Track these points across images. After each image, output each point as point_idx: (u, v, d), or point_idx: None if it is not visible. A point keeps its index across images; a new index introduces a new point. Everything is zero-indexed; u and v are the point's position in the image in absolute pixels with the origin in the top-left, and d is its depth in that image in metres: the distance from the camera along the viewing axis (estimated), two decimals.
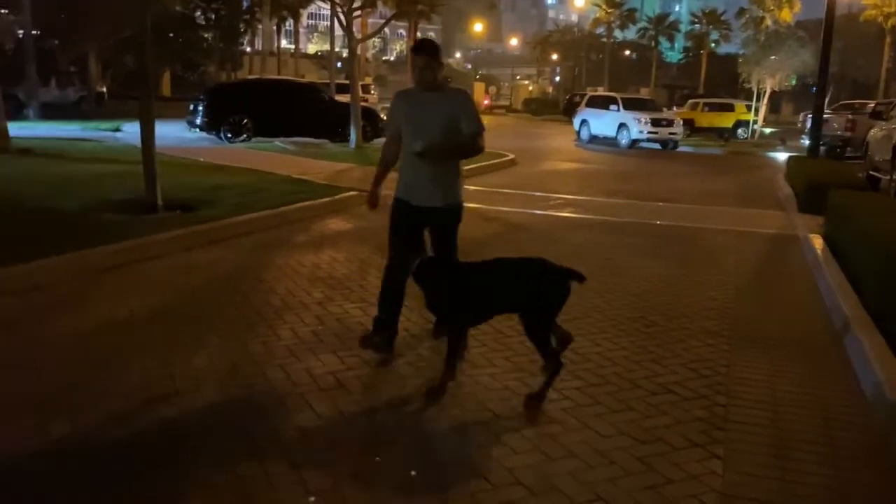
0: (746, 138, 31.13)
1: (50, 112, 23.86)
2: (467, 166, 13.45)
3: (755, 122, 32.54)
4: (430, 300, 3.89)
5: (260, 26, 51.60)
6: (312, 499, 2.81)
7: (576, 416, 3.62)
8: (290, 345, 4.44)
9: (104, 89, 33.61)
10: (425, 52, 4.12)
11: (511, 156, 16.45)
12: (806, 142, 19.88)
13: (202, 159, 13.13)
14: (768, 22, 38.98)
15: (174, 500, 2.78)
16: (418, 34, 51.27)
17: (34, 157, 12.58)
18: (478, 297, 3.81)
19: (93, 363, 4.05)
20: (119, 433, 3.27)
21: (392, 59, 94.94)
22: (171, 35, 37.11)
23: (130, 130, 17.73)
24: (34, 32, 25.84)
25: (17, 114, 21.49)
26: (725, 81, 48.77)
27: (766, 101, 34.33)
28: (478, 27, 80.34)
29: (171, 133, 16.83)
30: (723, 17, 64.92)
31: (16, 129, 14.87)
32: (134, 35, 9.05)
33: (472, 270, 3.89)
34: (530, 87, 77.18)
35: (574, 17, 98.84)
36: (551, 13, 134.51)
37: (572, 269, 3.76)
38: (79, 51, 31.69)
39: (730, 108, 32.07)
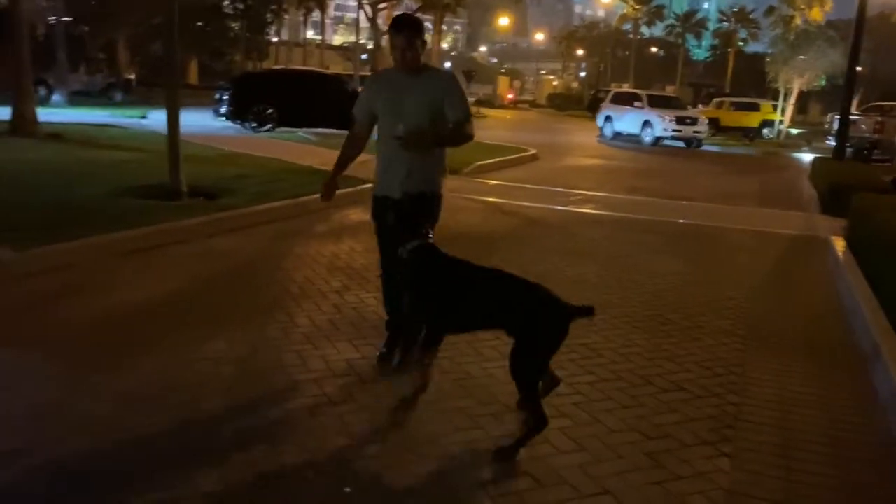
0: (772, 138, 30.81)
1: (78, 98, 24.18)
2: (488, 160, 13.51)
3: (781, 122, 32.18)
4: (411, 292, 3.53)
5: (287, 17, 51.86)
6: (322, 480, 2.87)
7: (586, 410, 3.65)
8: (306, 332, 4.50)
9: (132, 76, 33.98)
10: (407, 30, 3.61)
11: (533, 151, 16.44)
12: (832, 143, 19.63)
13: (226, 148, 13.26)
14: (798, 21, 38.40)
15: (189, 480, 2.85)
16: (444, 27, 51.27)
17: (61, 142, 12.78)
18: (461, 303, 3.39)
19: (113, 345, 4.14)
20: (136, 415, 3.34)
21: None
22: (199, 24, 37.46)
23: (156, 118, 17.92)
24: (65, 19, 26.16)
25: (45, 99, 21.80)
26: (752, 81, 48.18)
27: (793, 101, 33.90)
28: (503, 21, 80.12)
29: (197, 121, 17.00)
30: (751, 16, 64.10)
31: (45, 114, 15.10)
32: (163, 22, 9.16)
33: (468, 272, 3.44)
34: (555, 83, 76.87)
35: (601, 13, 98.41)
36: (578, 8, 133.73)
37: (578, 306, 3.18)
38: (108, 37, 32.09)
39: (756, 108, 31.76)
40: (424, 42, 3.69)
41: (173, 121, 7.92)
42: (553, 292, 3.21)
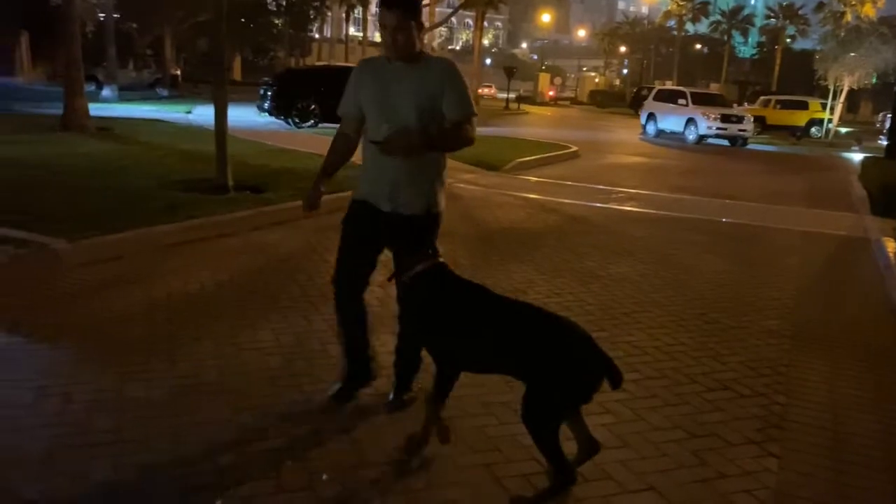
0: (820, 137, 30.16)
1: (126, 93, 24.71)
2: (529, 157, 13.47)
3: (830, 120, 31.46)
4: (416, 325, 3.12)
5: (329, 13, 52.29)
6: (370, 470, 2.92)
7: (630, 407, 3.64)
8: None
9: (178, 72, 34.64)
10: (398, 7, 2.95)
11: (574, 148, 16.33)
12: (884, 142, 19.14)
13: (270, 143, 13.47)
14: (849, 17, 37.47)
15: (240, 460, 2.92)
16: (485, 24, 51.10)
17: (112, 136, 13.12)
18: (475, 340, 2.83)
19: (165, 333, 4.24)
20: (188, 400, 3.43)
21: (458, 48, 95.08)
22: (243, 20, 38.02)
23: (201, 113, 18.26)
24: (115, 16, 26.78)
25: (95, 94, 22.34)
26: (801, 78, 47.26)
27: (842, 99, 33.09)
28: (545, 18, 79.65)
29: (241, 117, 17.27)
30: (800, 12, 62.75)
31: (94, 109, 15.48)
32: (209, 20, 9.33)
33: (487, 303, 2.87)
34: (597, 80, 76.17)
35: (644, 10, 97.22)
36: (621, 5, 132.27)
37: (613, 362, 2.66)
38: (155, 34, 32.78)
39: (803, 106, 31.13)
40: (422, 24, 3.06)
41: (221, 116, 8.06)
42: (591, 339, 2.69)
